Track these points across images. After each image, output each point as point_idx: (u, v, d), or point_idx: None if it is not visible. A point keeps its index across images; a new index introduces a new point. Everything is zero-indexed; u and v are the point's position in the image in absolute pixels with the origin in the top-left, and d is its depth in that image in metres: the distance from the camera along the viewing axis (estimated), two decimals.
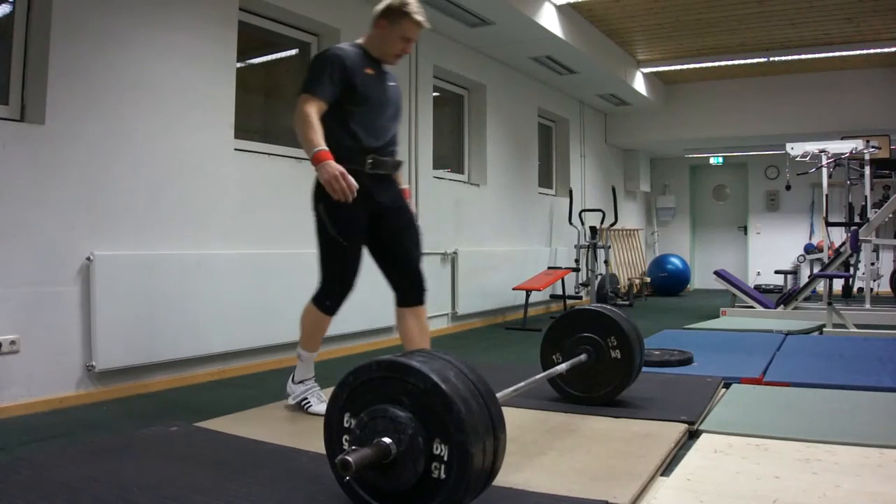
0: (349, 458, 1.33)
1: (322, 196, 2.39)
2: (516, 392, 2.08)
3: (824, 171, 6.38)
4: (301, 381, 2.70)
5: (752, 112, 8.22)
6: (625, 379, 2.61)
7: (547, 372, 2.45)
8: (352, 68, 2.41)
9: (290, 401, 2.71)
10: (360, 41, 2.55)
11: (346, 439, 1.51)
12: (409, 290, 2.57)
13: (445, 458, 1.39)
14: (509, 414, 2.55)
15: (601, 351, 2.60)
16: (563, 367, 2.48)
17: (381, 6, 2.47)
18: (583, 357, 2.59)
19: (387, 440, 1.40)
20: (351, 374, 1.51)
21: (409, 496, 1.43)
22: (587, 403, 2.65)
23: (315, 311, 2.59)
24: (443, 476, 1.39)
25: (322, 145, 2.27)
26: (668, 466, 2.02)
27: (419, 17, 2.45)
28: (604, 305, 2.73)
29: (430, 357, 1.51)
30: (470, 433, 1.37)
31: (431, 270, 4.59)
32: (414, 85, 5.26)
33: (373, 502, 1.48)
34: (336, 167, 2.23)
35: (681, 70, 7.82)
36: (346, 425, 1.51)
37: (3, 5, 2.98)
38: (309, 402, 2.64)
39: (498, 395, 1.58)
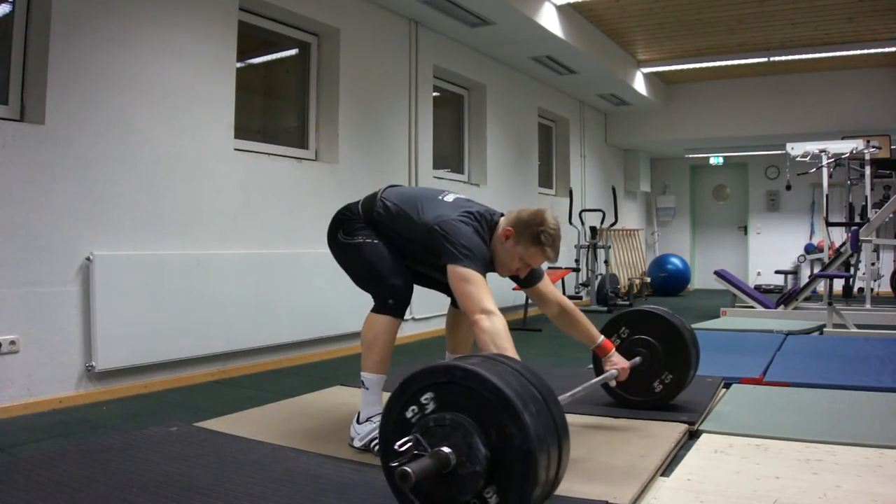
0: (409, 469, 1.26)
1: (339, 224, 2.31)
2: (573, 397, 1.99)
3: (824, 171, 6.37)
4: (368, 419, 2.16)
5: (752, 112, 8.22)
6: (680, 381, 2.52)
7: (601, 377, 2.31)
8: None
9: (357, 443, 2.17)
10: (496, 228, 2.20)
11: (402, 446, 1.40)
12: None
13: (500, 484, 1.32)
14: None
15: (654, 352, 2.51)
16: (596, 381, 2.27)
17: (518, 214, 2.16)
18: (637, 360, 2.50)
19: (446, 450, 1.33)
20: (411, 379, 1.42)
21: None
22: (643, 407, 2.56)
23: (379, 318, 2.20)
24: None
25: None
26: (668, 466, 2.02)
27: (550, 253, 2.13)
28: (662, 308, 2.62)
29: (496, 363, 1.44)
30: (535, 441, 1.30)
31: None
32: (414, 85, 5.26)
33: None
34: None
35: (681, 70, 7.81)
36: (405, 433, 1.41)
37: (3, 5, 2.98)
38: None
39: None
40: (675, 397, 2.57)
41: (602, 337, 2.41)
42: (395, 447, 1.39)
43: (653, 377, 2.54)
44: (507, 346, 1.86)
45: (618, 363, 2.36)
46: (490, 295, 1.96)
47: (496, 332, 1.87)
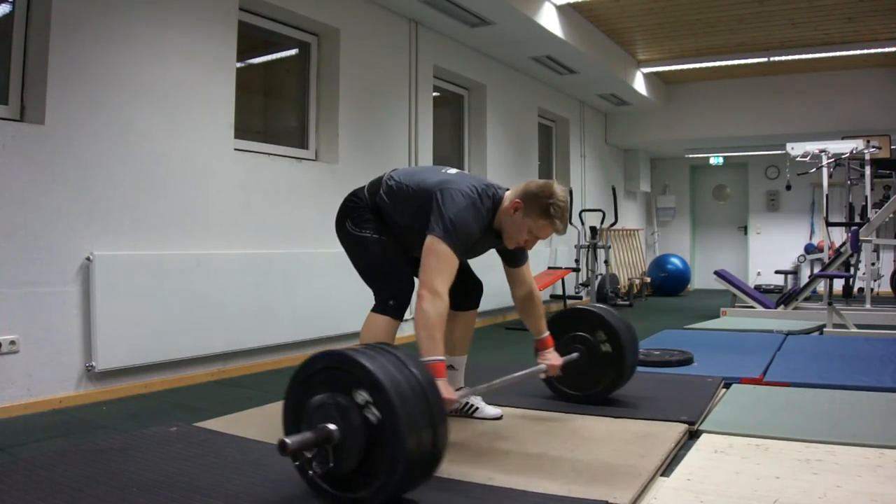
0: (287, 440, 1.47)
1: (348, 212, 2.32)
2: (489, 388, 2.16)
3: (825, 171, 6.37)
4: None
5: (752, 112, 8.22)
6: (618, 377, 2.64)
7: (530, 370, 2.44)
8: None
9: None
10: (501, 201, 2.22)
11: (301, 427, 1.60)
12: (465, 294, 2.46)
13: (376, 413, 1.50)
14: (509, 414, 2.57)
15: (593, 349, 2.62)
16: (522, 373, 2.43)
17: (527, 186, 2.17)
18: (575, 355, 2.61)
19: (331, 426, 1.52)
20: (300, 368, 1.63)
21: (356, 477, 1.55)
22: (582, 402, 2.67)
23: (379, 318, 2.25)
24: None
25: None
26: (668, 466, 2.02)
27: (559, 225, 2.16)
28: (597, 305, 2.75)
29: (375, 350, 1.61)
30: (405, 419, 1.47)
31: None
32: (414, 85, 5.26)
33: (318, 482, 1.59)
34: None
35: (681, 70, 7.81)
36: (299, 416, 1.61)
37: (3, 5, 2.98)
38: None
39: (473, 387, 1.76)
40: (612, 392, 2.67)
41: (547, 333, 2.50)
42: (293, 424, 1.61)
43: (591, 373, 2.64)
44: (436, 335, 1.95)
45: (549, 359, 2.46)
46: (448, 277, 2.00)
47: (428, 318, 1.94)
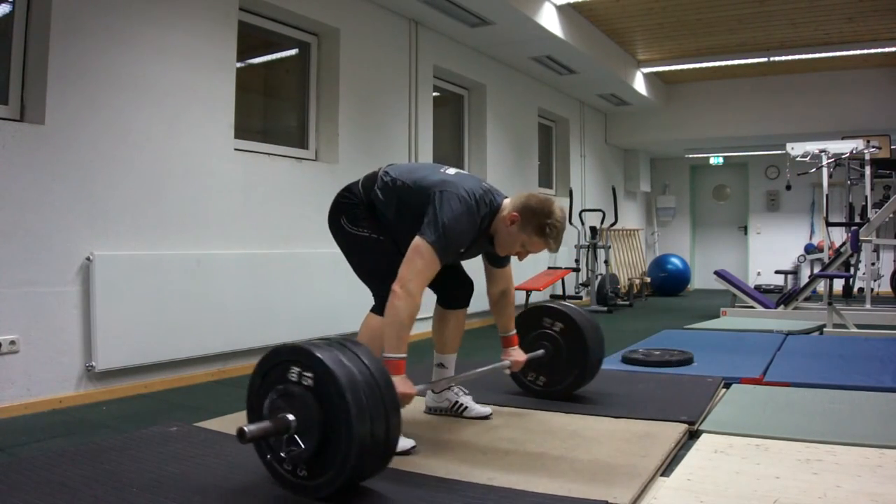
0: (245, 429, 1.56)
1: (342, 209, 2.31)
2: (454, 380, 2.29)
3: (825, 171, 6.37)
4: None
5: (752, 112, 8.22)
6: (582, 373, 2.70)
7: (494, 365, 2.53)
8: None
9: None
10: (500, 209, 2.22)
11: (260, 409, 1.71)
12: (456, 292, 2.48)
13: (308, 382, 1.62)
14: (509, 414, 2.57)
15: (559, 347, 2.70)
16: (487, 368, 2.53)
17: (527, 200, 2.16)
18: (540, 352, 2.69)
19: (289, 416, 1.61)
20: (274, 353, 1.72)
21: (314, 464, 1.62)
22: (547, 397, 2.75)
23: (377, 318, 2.25)
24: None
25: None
26: (668, 466, 2.02)
27: (552, 245, 2.18)
28: (563, 303, 2.83)
29: (331, 344, 1.68)
30: (357, 412, 1.55)
31: None
32: (414, 85, 5.26)
33: (277, 466, 1.68)
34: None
35: (681, 70, 7.81)
36: (265, 395, 1.70)
37: (3, 5, 2.98)
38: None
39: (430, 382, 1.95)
40: (578, 389, 2.75)
41: (514, 331, 2.58)
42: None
43: (556, 369, 2.73)
44: (403, 335, 2.02)
45: (513, 355, 2.55)
46: (426, 282, 2.04)
47: (399, 315, 1.98)
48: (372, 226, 2.27)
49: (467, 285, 2.53)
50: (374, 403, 1.60)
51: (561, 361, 2.71)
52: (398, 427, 1.67)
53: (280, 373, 1.68)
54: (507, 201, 2.24)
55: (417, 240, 2.04)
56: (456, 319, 2.51)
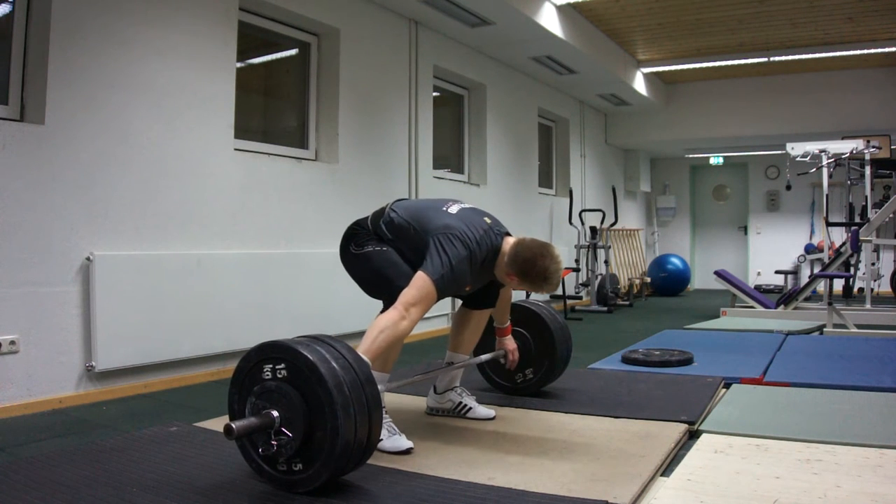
0: (232, 425, 1.58)
1: (350, 238, 2.36)
2: (412, 379, 2.33)
3: (825, 171, 6.37)
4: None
5: (752, 112, 8.22)
6: (549, 370, 2.78)
7: (490, 354, 2.64)
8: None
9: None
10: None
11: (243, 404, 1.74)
12: (483, 296, 2.50)
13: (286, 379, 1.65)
14: (508, 414, 2.57)
15: (527, 344, 2.77)
16: (485, 357, 2.65)
17: (519, 258, 2.21)
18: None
19: (274, 413, 1.64)
20: (243, 359, 1.74)
21: (299, 459, 1.66)
22: (514, 393, 2.83)
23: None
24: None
25: None
26: (668, 466, 2.02)
27: (551, 289, 2.29)
28: (532, 302, 2.89)
29: (315, 341, 1.71)
30: (341, 409, 1.59)
31: None
32: (414, 85, 5.26)
33: (258, 461, 1.71)
34: None
35: (681, 70, 7.81)
36: (246, 404, 1.72)
37: (3, 5, 2.98)
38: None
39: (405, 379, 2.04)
40: (544, 385, 2.85)
41: (509, 322, 2.70)
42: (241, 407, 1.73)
43: (525, 366, 2.81)
44: (391, 356, 2.19)
45: (508, 345, 2.67)
46: (425, 310, 2.09)
47: (395, 333, 1.99)
48: (377, 242, 2.33)
49: (494, 287, 2.54)
50: (350, 378, 1.64)
51: (529, 358, 2.80)
52: (381, 423, 1.74)
53: (254, 376, 1.71)
54: (505, 246, 2.28)
55: (419, 274, 2.09)
56: (478, 318, 2.54)
